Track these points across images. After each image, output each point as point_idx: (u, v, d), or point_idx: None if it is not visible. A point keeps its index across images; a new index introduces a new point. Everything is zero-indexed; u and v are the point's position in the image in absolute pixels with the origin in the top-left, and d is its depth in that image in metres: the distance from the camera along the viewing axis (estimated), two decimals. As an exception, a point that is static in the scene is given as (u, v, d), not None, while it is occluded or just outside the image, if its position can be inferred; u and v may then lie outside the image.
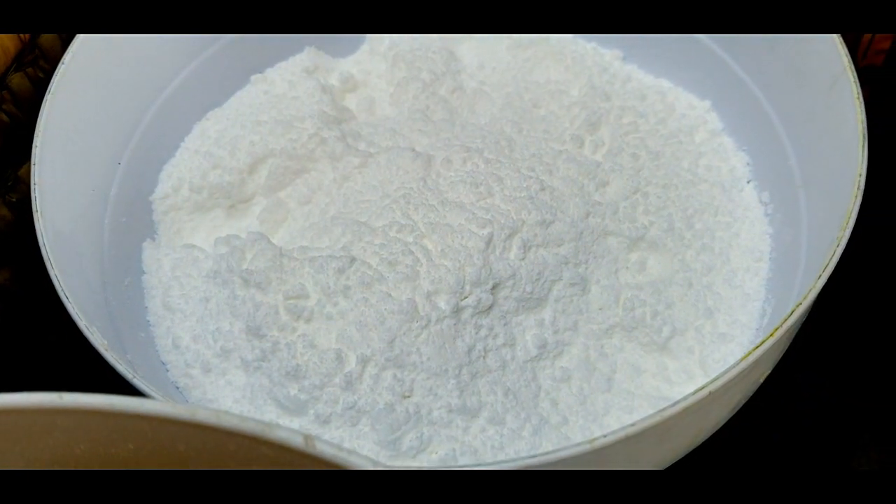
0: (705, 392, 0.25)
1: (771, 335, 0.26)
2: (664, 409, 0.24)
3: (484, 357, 0.35)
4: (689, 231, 0.39)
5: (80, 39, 0.38)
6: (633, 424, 0.24)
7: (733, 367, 0.26)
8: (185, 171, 0.42)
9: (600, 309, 0.37)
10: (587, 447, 0.24)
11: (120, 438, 0.21)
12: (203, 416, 0.19)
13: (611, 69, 0.47)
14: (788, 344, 0.31)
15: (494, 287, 0.36)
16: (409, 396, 0.34)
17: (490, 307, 0.36)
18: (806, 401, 0.38)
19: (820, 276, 0.28)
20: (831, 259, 0.28)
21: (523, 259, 0.37)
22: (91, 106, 0.39)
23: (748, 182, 0.42)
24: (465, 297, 0.35)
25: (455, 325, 0.35)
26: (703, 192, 0.41)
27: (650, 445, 0.26)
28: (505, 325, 0.36)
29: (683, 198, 0.40)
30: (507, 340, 0.36)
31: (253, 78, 0.46)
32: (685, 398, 0.25)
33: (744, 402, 0.31)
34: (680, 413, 0.25)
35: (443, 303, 0.35)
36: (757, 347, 0.26)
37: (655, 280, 0.38)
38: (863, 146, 0.32)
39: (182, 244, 0.41)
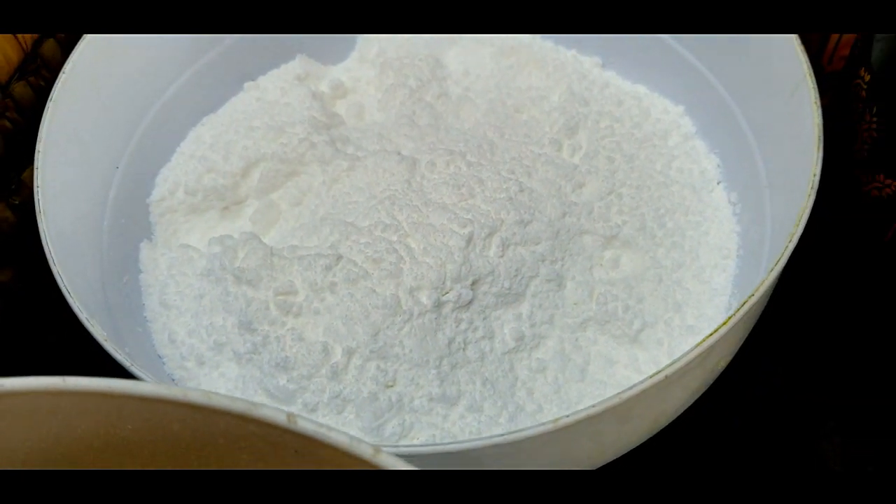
0: (661, 376, 0.27)
1: (724, 324, 0.28)
2: (623, 392, 0.26)
3: (464, 349, 0.37)
4: (660, 230, 0.41)
5: (80, 49, 0.40)
6: (593, 405, 0.26)
7: (688, 353, 0.27)
8: (181, 174, 0.43)
9: (575, 304, 0.39)
10: (550, 426, 0.25)
11: (119, 419, 0.22)
12: (195, 396, 0.21)
13: (590, 76, 0.48)
14: (747, 334, 0.33)
15: (474, 283, 0.37)
16: (391, 386, 0.35)
17: (470, 302, 0.37)
18: (763, 386, 0.39)
19: (772, 269, 0.30)
20: (783, 254, 0.30)
21: (502, 256, 0.38)
22: (91, 113, 0.40)
23: (718, 183, 0.43)
24: (446, 293, 0.37)
25: (436, 318, 0.36)
26: (674, 193, 0.42)
27: (611, 426, 0.28)
28: (484, 318, 0.38)
29: (656, 198, 0.42)
30: (486, 333, 0.37)
31: (246, 85, 0.47)
32: (642, 381, 0.26)
33: (704, 388, 0.33)
34: (638, 395, 0.26)
35: (424, 298, 0.36)
36: (710, 336, 0.28)
37: (628, 276, 0.40)
38: (818, 148, 0.34)
39: (178, 244, 0.42)
